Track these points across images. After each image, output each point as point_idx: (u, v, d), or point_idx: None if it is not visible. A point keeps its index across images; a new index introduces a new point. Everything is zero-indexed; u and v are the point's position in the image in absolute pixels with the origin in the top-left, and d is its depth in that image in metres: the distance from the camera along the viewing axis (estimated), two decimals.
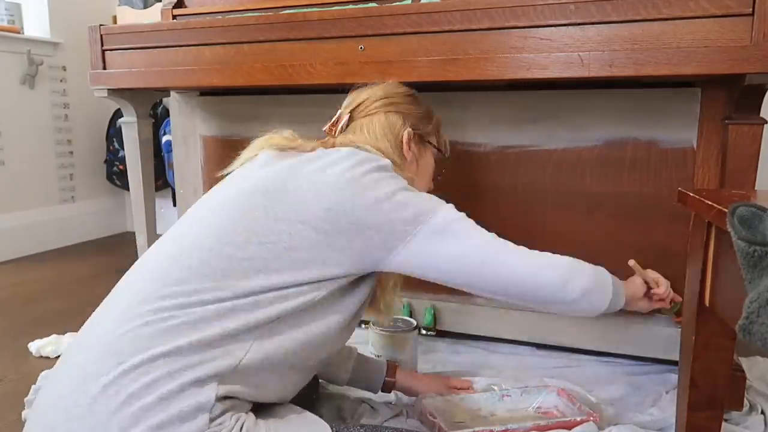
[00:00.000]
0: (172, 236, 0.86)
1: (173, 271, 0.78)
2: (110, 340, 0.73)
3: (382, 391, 1.16)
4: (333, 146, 0.93)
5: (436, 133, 1.10)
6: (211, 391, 0.71)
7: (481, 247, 0.86)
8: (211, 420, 0.70)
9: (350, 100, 1.04)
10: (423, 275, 0.86)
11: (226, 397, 0.73)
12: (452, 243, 0.84)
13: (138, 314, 0.74)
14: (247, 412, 0.77)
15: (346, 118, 1.01)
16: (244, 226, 0.80)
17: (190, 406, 0.69)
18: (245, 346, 0.75)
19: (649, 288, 1.04)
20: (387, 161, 0.89)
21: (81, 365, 0.73)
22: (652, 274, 1.06)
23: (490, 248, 0.86)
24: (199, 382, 0.71)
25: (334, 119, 1.02)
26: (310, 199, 0.81)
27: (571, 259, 0.90)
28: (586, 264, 0.91)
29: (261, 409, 0.81)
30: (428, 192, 0.99)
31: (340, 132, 1.00)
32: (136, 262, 0.87)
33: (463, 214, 0.88)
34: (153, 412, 0.68)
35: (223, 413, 0.72)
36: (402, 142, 1.00)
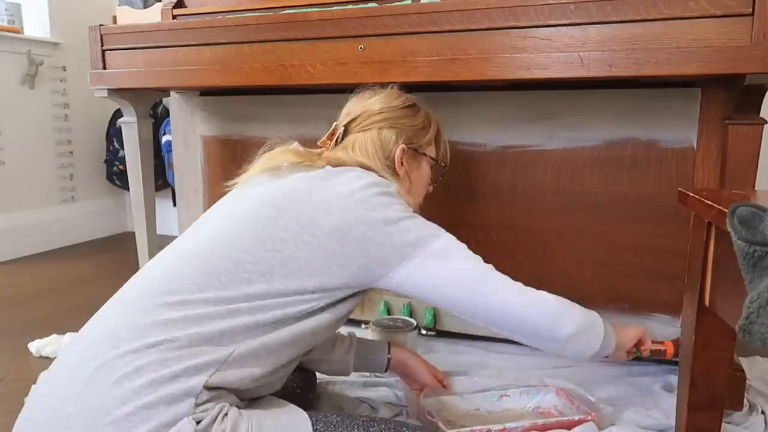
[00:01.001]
0: (183, 239, 0.90)
1: (179, 270, 0.81)
2: (109, 329, 0.76)
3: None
4: (337, 161, 0.95)
5: (435, 141, 1.10)
6: (200, 379, 0.73)
7: (477, 275, 0.89)
8: (197, 405, 0.72)
9: (346, 112, 1.05)
10: (417, 295, 0.89)
11: (213, 387, 0.75)
12: (449, 267, 0.87)
13: (140, 308, 0.77)
14: (231, 404, 0.78)
15: (341, 131, 1.02)
16: (253, 233, 0.83)
17: (179, 390, 0.71)
18: (240, 344, 0.77)
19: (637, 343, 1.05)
20: (394, 187, 0.92)
21: (78, 352, 0.76)
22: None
23: (485, 278, 0.89)
24: (190, 371, 0.73)
25: (329, 132, 1.04)
26: (320, 213, 0.84)
27: (565, 302, 0.92)
28: (579, 309, 0.93)
29: (245, 401, 0.84)
30: (423, 196, 1.05)
31: (335, 146, 1.02)
32: (145, 265, 0.90)
33: (464, 245, 0.91)
34: (143, 393, 0.70)
35: (208, 401, 0.74)
36: (394, 159, 1.01)
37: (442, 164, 1.13)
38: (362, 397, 1.19)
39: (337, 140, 1.02)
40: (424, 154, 1.07)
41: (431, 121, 1.09)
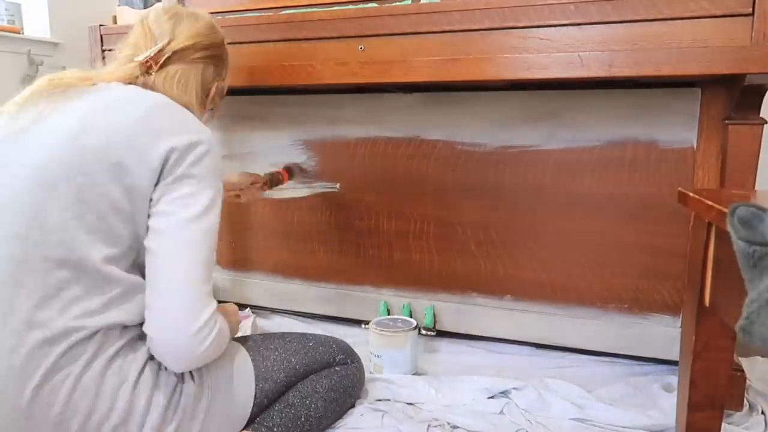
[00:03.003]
0: None
1: None
2: None
3: None
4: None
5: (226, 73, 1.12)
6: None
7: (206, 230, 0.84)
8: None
9: (171, 36, 0.97)
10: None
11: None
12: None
13: None
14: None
15: (167, 56, 0.96)
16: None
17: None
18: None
19: None
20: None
21: None
22: None
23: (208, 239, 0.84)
24: None
25: (153, 53, 0.95)
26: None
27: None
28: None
29: None
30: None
31: (158, 68, 0.95)
32: None
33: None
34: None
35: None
36: (209, 94, 1.04)
37: (224, 94, 1.13)
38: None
39: (161, 64, 0.96)
40: (219, 95, 1.09)
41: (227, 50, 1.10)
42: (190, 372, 0.86)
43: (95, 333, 0.78)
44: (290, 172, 1.59)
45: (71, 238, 0.77)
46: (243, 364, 0.96)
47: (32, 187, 0.78)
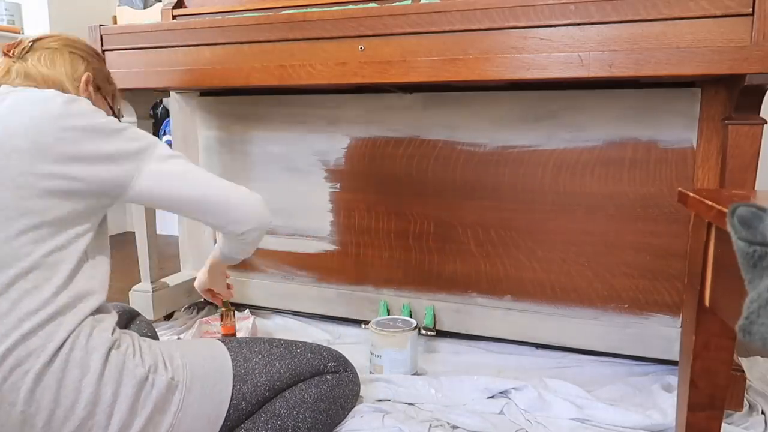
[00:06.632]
0: None
1: None
2: None
3: None
4: (25, 74, 0.96)
5: (113, 96, 1.13)
6: None
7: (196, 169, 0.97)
8: None
9: (28, 35, 1.04)
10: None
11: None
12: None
13: None
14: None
15: (28, 44, 0.99)
16: None
17: None
18: None
19: None
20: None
21: None
22: None
23: (201, 171, 0.97)
24: None
25: (15, 42, 1.00)
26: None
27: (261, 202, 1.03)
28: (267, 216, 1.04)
29: None
30: None
31: (20, 56, 0.98)
32: None
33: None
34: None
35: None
36: (80, 82, 1.02)
37: (118, 117, 1.14)
38: None
39: (22, 51, 0.98)
40: (105, 98, 1.09)
41: (113, 81, 1.12)
42: (164, 363, 0.87)
43: (47, 323, 0.79)
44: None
45: None
46: (222, 363, 0.96)
47: None
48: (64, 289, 0.82)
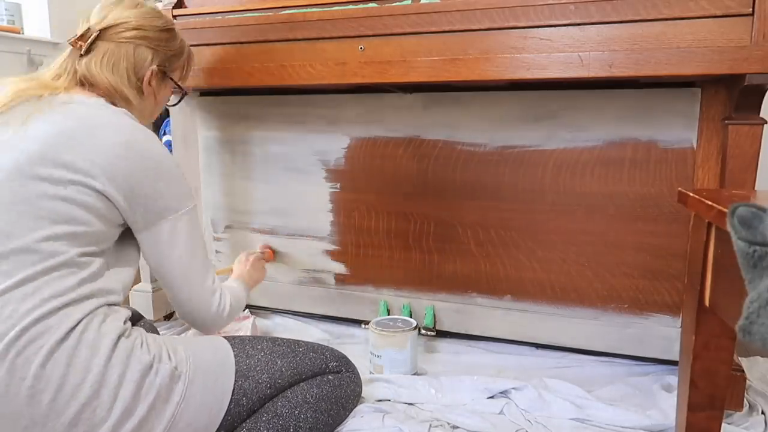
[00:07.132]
0: None
1: None
2: None
3: None
4: (86, 79, 0.98)
5: (183, 68, 1.14)
6: None
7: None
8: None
9: (102, 16, 0.99)
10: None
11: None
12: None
13: None
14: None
15: (95, 35, 0.98)
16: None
17: None
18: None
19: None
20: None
21: None
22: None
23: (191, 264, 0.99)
24: None
25: (81, 33, 0.99)
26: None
27: (236, 308, 1.10)
28: (237, 308, 1.11)
29: None
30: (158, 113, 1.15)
31: (87, 49, 0.98)
32: None
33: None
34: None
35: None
36: (143, 82, 1.03)
37: (184, 90, 1.16)
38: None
39: (90, 44, 0.98)
40: (171, 78, 1.10)
41: (185, 48, 1.12)
42: (168, 354, 0.89)
43: (66, 307, 0.81)
44: (274, 251, 1.68)
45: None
46: (225, 357, 0.97)
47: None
48: (88, 282, 0.85)
